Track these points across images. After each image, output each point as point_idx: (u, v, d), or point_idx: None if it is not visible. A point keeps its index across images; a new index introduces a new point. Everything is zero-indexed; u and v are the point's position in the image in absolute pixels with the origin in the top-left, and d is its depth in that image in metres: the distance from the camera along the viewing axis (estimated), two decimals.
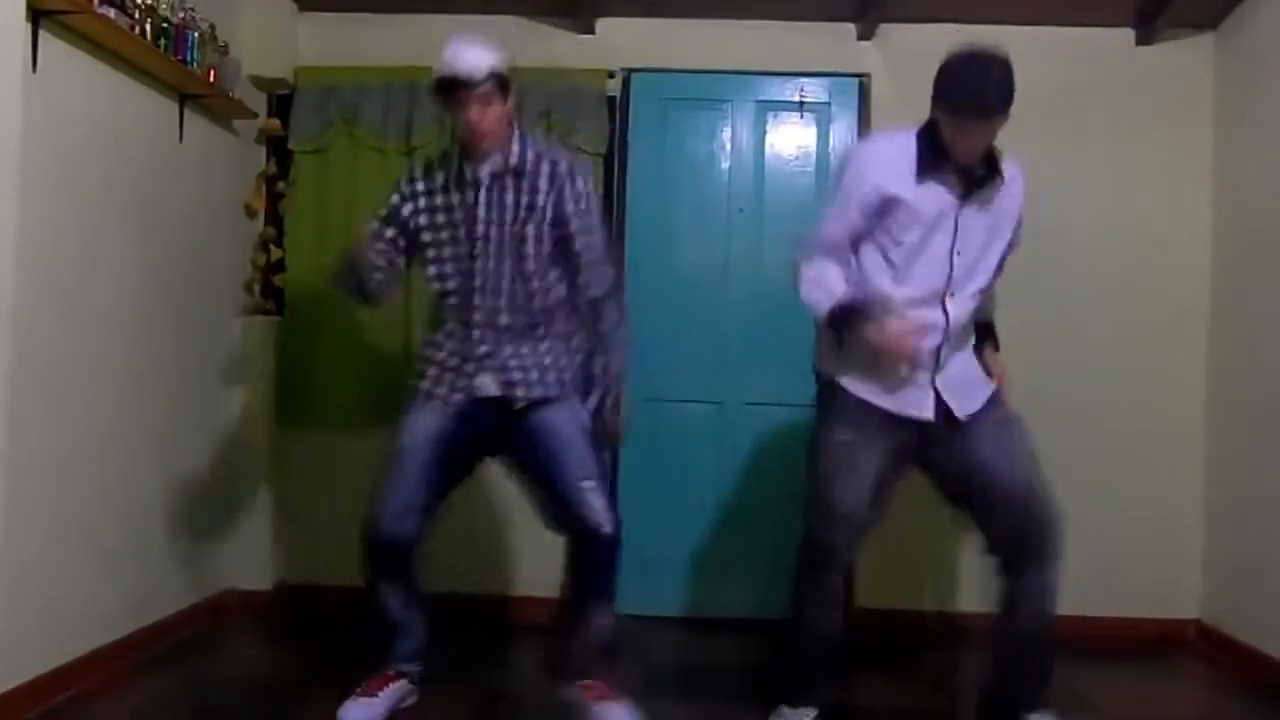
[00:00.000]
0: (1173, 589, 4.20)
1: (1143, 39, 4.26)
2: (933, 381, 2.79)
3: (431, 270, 3.01)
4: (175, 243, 3.71)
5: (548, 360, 2.95)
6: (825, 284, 2.76)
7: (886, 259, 2.78)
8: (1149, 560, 4.20)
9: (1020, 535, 2.79)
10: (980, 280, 2.81)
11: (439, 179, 2.99)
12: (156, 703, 3.16)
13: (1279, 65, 3.80)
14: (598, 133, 4.26)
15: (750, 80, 4.38)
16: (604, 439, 3.01)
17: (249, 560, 4.23)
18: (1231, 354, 4.08)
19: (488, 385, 2.93)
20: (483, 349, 2.93)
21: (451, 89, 2.83)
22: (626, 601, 4.28)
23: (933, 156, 2.71)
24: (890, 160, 2.74)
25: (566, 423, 2.93)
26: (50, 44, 2.91)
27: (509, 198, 2.92)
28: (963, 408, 2.80)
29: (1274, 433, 3.71)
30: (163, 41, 3.36)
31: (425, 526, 3.00)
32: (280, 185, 4.39)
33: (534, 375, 2.93)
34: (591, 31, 4.35)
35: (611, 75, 4.33)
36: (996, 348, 3.01)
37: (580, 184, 2.96)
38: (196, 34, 3.58)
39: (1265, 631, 3.67)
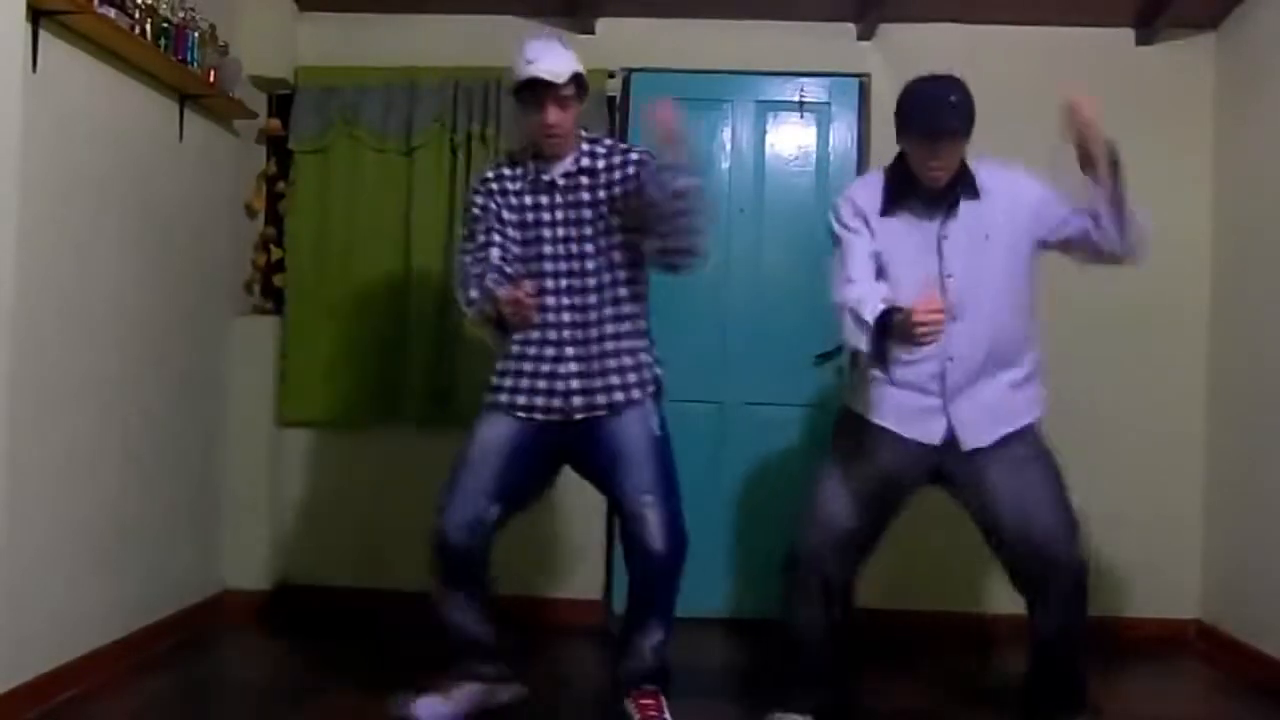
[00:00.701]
0: (1173, 589, 4.20)
1: (1143, 39, 4.26)
2: (945, 408, 2.77)
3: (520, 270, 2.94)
4: (175, 243, 3.71)
5: (614, 366, 2.91)
6: (860, 314, 2.65)
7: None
8: (1149, 560, 4.20)
9: (1027, 577, 2.81)
10: (996, 297, 2.75)
11: (515, 182, 2.96)
12: (156, 703, 3.16)
13: (1279, 65, 3.80)
14: (598, 132, 4.25)
15: (750, 80, 4.38)
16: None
17: (249, 560, 4.22)
18: (1231, 354, 4.08)
19: (560, 395, 2.89)
20: (554, 356, 2.90)
21: (534, 89, 2.80)
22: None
23: (899, 189, 2.75)
24: (864, 196, 2.82)
25: (632, 434, 2.89)
26: (50, 44, 2.91)
27: (584, 196, 2.90)
28: (972, 438, 2.76)
29: (1274, 433, 3.71)
30: (163, 41, 3.36)
31: (491, 537, 2.93)
32: (280, 185, 4.39)
33: (600, 383, 2.90)
34: (591, 31, 4.35)
35: (611, 75, 4.33)
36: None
37: (639, 154, 2.90)
38: (196, 34, 3.58)
39: (1265, 631, 3.67)
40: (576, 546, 4.23)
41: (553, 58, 2.81)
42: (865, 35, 4.32)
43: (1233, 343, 4.07)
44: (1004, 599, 4.11)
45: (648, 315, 3.06)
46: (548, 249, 2.92)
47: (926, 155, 2.68)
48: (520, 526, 4.14)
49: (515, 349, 2.96)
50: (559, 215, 2.91)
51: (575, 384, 2.90)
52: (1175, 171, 4.24)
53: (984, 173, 2.79)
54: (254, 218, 4.37)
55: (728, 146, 4.39)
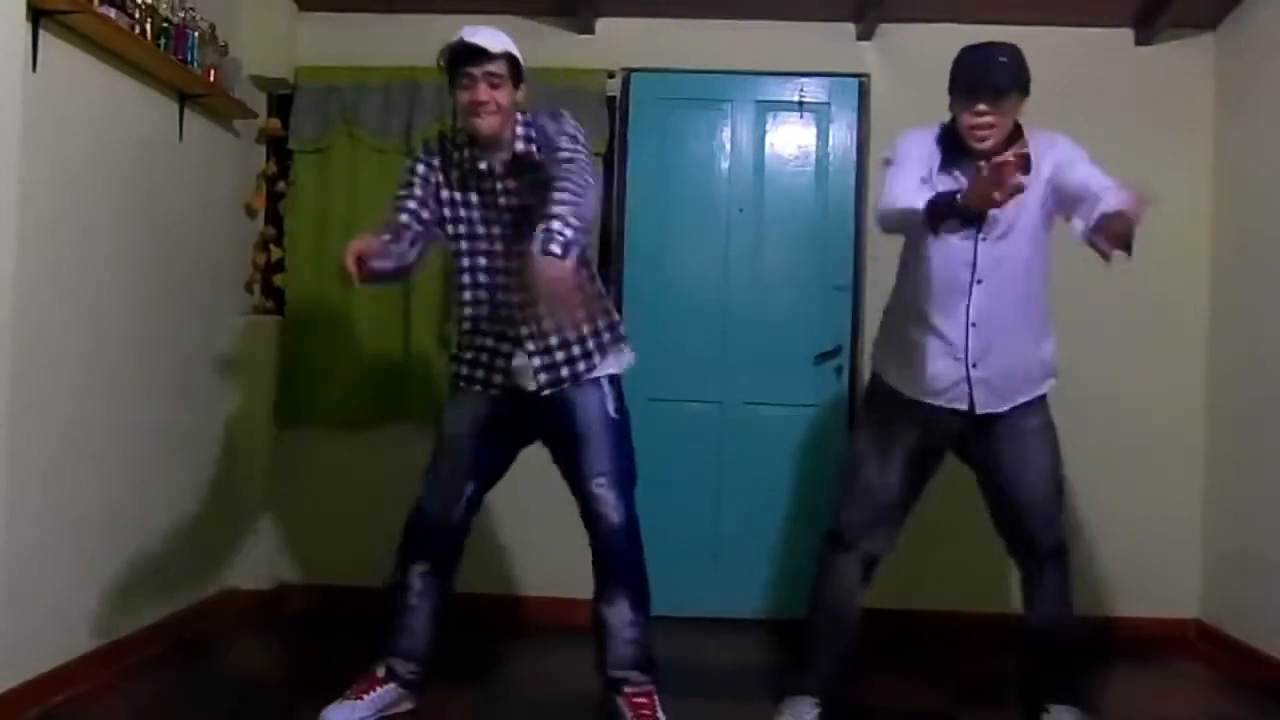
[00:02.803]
0: (1173, 589, 4.20)
1: (1142, 39, 4.26)
2: (968, 373, 2.81)
3: (463, 265, 2.95)
4: (175, 242, 3.71)
5: (572, 346, 2.90)
6: (910, 207, 2.64)
7: (915, 256, 2.85)
8: (1149, 560, 4.20)
9: (1023, 543, 2.90)
10: (1023, 263, 2.79)
11: (453, 171, 2.91)
12: (156, 703, 3.16)
13: (1278, 65, 3.80)
14: (597, 133, 4.25)
15: (750, 80, 4.38)
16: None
17: (249, 560, 4.23)
18: (1231, 354, 4.08)
19: (524, 372, 2.90)
20: (512, 336, 2.91)
21: (464, 60, 2.76)
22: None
23: (953, 150, 2.77)
24: (924, 141, 2.82)
25: (591, 415, 2.92)
26: (50, 44, 2.91)
27: (524, 181, 2.87)
28: (986, 402, 2.82)
29: (1274, 433, 3.71)
30: (163, 41, 3.36)
31: (469, 517, 3.03)
32: (280, 185, 4.39)
33: (561, 356, 2.90)
34: (591, 31, 4.35)
35: (611, 75, 4.33)
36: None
37: (565, 125, 2.81)
38: (196, 34, 3.58)
39: (1265, 631, 3.67)
40: (576, 547, 4.20)
41: (484, 34, 2.80)
42: (865, 35, 4.32)
43: (1233, 343, 4.07)
44: (1006, 599, 4.14)
45: (605, 293, 3.05)
46: (497, 231, 2.88)
47: (969, 112, 2.70)
48: (520, 526, 4.17)
49: (468, 338, 2.99)
50: (503, 202, 2.88)
51: (537, 361, 2.89)
52: (1175, 171, 4.23)
53: (1037, 142, 2.79)
54: (254, 218, 4.37)
55: (727, 146, 4.39)
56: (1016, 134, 2.79)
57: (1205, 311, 4.23)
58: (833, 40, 4.34)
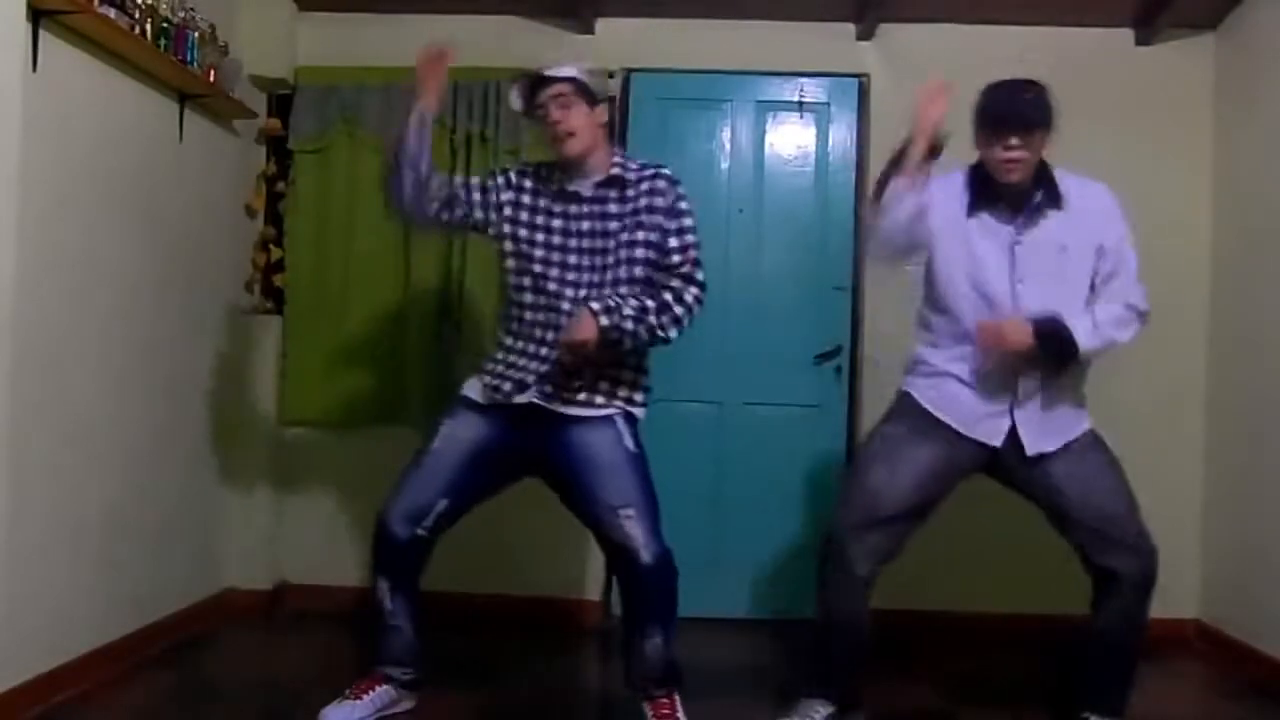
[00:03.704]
0: (1172, 589, 4.18)
1: (1142, 39, 4.26)
2: (1011, 411, 2.80)
3: (519, 280, 2.92)
4: (175, 242, 3.71)
5: (598, 377, 2.87)
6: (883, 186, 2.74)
7: (949, 293, 2.82)
8: None
9: (1098, 560, 2.82)
10: (1064, 308, 2.76)
11: (542, 187, 2.95)
12: (156, 703, 3.16)
13: (1279, 65, 3.80)
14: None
15: (750, 80, 4.39)
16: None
17: (249, 560, 4.23)
18: (1231, 354, 4.08)
19: (545, 397, 2.86)
20: (551, 362, 2.85)
21: (534, 91, 2.85)
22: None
23: (983, 191, 2.75)
24: (943, 194, 2.78)
25: (604, 446, 2.85)
26: (50, 44, 2.91)
27: (611, 209, 2.89)
28: (1035, 444, 2.79)
29: (1274, 433, 3.71)
30: (163, 41, 3.36)
31: (435, 533, 2.94)
32: (280, 185, 4.39)
33: (578, 383, 2.86)
34: (591, 31, 4.35)
35: (611, 75, 4.32)
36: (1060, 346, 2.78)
37: (680, 201, 2.92)
38: (196, 34, 3.58)
39: (1265, 631, 3.68)
40: (577, 547, 4.22)
41: (555, 66, 2.88)
42: (865, 35, 4.32)
43: (1233, 343, 4.07)
44: (1005, 599, 4.14)
45: (643, 366, 3.03)
46: (572, 259, 2.89)
47: (997, 146, 2.69)
48: (521, 527, 4.17)
49: (509, 341, 2.95)
50: (585, 226, 2.89)
51: (567, 391, 2.86)
52: (1175, 171, 4.24)
53: (1072, 183, 2.82)
54: (254, 218, 4.37)
55: (727, 146, 4.39)
56: (1044, 170, 2.80)
57: (1205, 311, 4.23)
58: (833, 40, 4.34)
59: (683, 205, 2.93)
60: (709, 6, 4.28)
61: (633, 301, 2.79)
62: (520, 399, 2.87)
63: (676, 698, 2.94)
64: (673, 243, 2.89)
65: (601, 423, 2.87)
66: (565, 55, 4.25)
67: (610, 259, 2.88)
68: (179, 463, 3.79)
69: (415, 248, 4.24)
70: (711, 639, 4.01)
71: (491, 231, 2.99)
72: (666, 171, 2.95)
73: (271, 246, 4.38)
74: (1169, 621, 4.15)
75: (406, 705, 3.08)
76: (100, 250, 3.24)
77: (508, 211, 2.96)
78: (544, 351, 2.88)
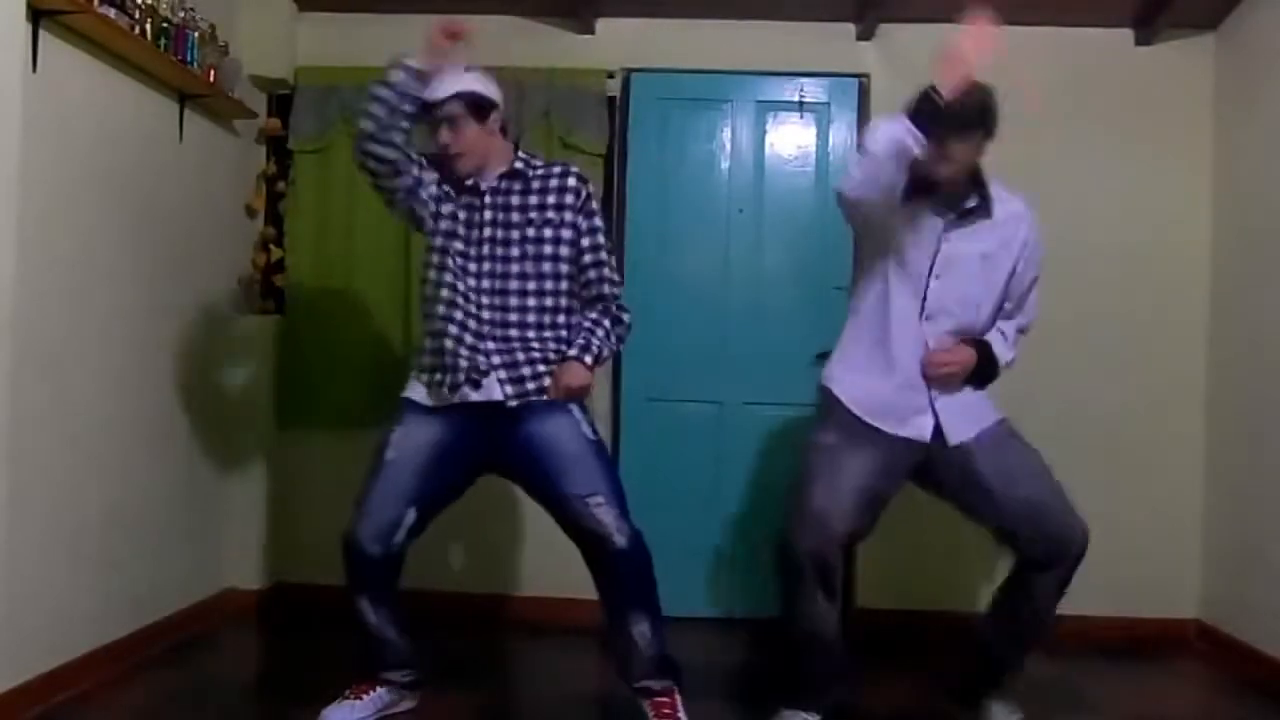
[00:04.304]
0: (1173, 589, 4.20)
1: (1142, 39, 4.26)
2: (931, 403, 2.84)
3: (434, 275, 2.93)
4: (175, 242, 3.71)
5: (538, 364, 2.89)
6: (877, 136, 2.68)
7: (872, 278, 2.89)
8: (1149, 560, 4.20)
9: (1029, 547, 2.82)
10: (970, 312, 2.85)
11: (448, 180, 2.95)
12: (156, 703, 3.16)
13: (1279, 65, 3.80)
14: (597, 133, 4.26)
15: (750, 80, 4.38)
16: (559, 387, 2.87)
17: (248, 560, 4.23)
18: (1231, 354, 4.08)
19: (491, 390, 2.86)
20: (483, 353, 2.87)
21: (425, 116, 2.88)
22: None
23: (916, 183, 2.77)
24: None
25: (564, 435, 2.86)
26: (50, 44, 2.91)
27: (514, 201, 2.92)
28: (957, 432, 2.84)
29: (1274, 433, 3.71)
30: (163, 41, 3.36)
31: (407, 544, 2.93)
32: (280, 185, 4.39)
33: (526, 372, 2.87)
34: (591, 31, 4.35)
35: (611, 75, 4.33)
36: (980, 358, 2.89)
37: (588, 191, 2.96)
38: (196, 34, 3.58)
39: (1265, 631, 3.68)
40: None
41: (439, 84, 2.86)
42: (865, 35, 4.32)
43: (1232, 343, 4.07)
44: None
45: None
46: (473, 250, 2.90)
47: (941, 151, 2.71)
48: (521, 527, 4.17)
49: (430, 343, 2.94)
50: (487, 216, 2.91)
51: (496, 360, 2.86)
52: (1175, 171, 4.24)
53: (1005, 198, 2.87)
54: (254, 218, 4.37)
55: (727, 146, 4.38)
56: (978, 176, 2.84)
57: (1205, 311, 4.23)
58: (833, 40, 4.34)
59: (593, 205, 2.97)
60: (709, 6, 4.28)
61: (599, 332, 2.94)
62: (474, 397, 2.86)
63: (678, 696, 2.93)
64: (585, 243, 2.94)
65: (557, 410, 2.88)
66: (565, 55, 4.31)
67: (514, 251, 2.89)
68: (179, 463, 3.79)
69: (415, 248, 4.23)
70: (711, 639, 4.02)
71: (420, 212, 2.96)
72: (576, 170, 2.98)
73: (271, 246, 4.38)
74: (1169, 621, 4.16)
75: (409, 704, 3.09)
76: (100, 250, 3.24)
77: (431, 205, 2.96)
78: (466, 343, 2.86)
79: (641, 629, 2.88)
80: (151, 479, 3.59)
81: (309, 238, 4.32)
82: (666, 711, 2.90)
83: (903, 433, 2.84)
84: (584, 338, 2.91)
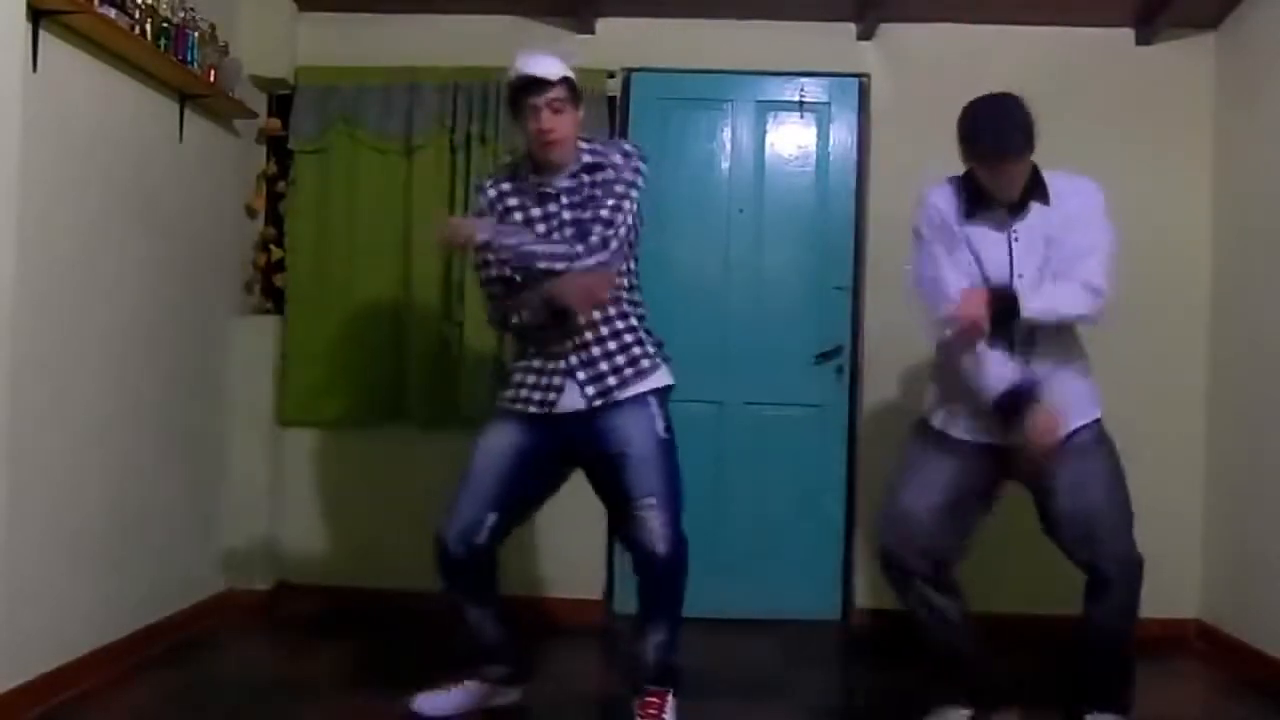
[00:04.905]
0: (1173, 589, 4.19)
1: (1143, 39, 4.26)
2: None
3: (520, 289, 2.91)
4: (175, 243, 3.71)
5: (618, 361, 2.89)
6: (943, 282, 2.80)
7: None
8: (1149, 560, 4.16)
9: (1085, 563, 2.88)
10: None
11: (514, 196, 2.95)
12: (156, 703, 3.16)
13: (1279, 65, 3.80)
14: (597, 133, 4.25)
15: (750, 80, 4.38)
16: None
17: (249, 560, 4.22)
18: (1231, 353, 4.07)
19: (572, 398, 2.87)
20: (566, 361, 2.88)
21: (526, 91, 2.81)
22: (624, 601, 4.31)
23: (976, 197, 2.82)
24: (942, 204, 2.86)
25: (637, 434, 2.86)
26: (50, 44, 2.91)
27: (586, 193, 2.88)
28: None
29: (1274, 433, 3.71)
30: (163, 41, 3.36)
31: (496, 542, 2.96)
32: (280, 185, 4.39)
33: (608, 376, 2.87)
34: (591, 31, 4.35)
35: (611, 75, 4.33)
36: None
37: (627, 159, 2.89)
38: (196, 34, 3.58)
39: (1265, 631, 3.67)
40: (578, 547, 4.23)
41: (544, 63, 2.83)
42: (865, 35, 4.32)
43: (1233, 342, 4.07)
44: (1005, 599, 4.14)
45: (647, 310, 3.05)
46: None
47: (995, 174, 2.76)
48: (522, 528, 4.17)
49: (521, 359, 2.98)
50: (567, 216, 2.88)
51: (583, 374, 2.87)
52: (1175, 171, 4.24)
53: (1059, 180, 2.88)
54: (254, 218, 4.37)
55: (728, 146, 4.38)
56: (1035, 176, 2.85)
57: (1205, 311, 4.23)
58: (833, 40, 4.33)
59: (627, 175, 2.87)
60: (709, 6, 4.28)
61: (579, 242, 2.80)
62: (562, 409, 2.88)
63: (669, 699, 2.94)
64: (608, 204, 2.84)
65: (635, 405, 2.88)
66: (564, 55, 4.31)
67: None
68: (179, 463, 3.79)
69: (415, 248, 4.24)
70: (711, 639, 4.01)
71: None
72: (628, 146, 2.94)
73: (271, 246, 4.38)
74: (1169, 621, 4.15)
75: (509, 698, 3.13)
76: (100, 250, 3.24)
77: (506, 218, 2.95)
78: (564, 357, 2.88)
79: (658, 639, 2.91)
80: (152, 479, 3.58)
81: (309, 238, 4.32)
82: (652, 711, 2.91)
83: (980, 439, 2.86)
84: (564, 244, 2.80)
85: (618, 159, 2.89)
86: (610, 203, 2.83)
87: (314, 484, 4.32)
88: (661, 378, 2.95)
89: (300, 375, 4.29)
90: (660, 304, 4.28)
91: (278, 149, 4.40)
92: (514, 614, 3.09)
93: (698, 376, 4.31)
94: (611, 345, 2.90)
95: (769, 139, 4.39)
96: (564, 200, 2.89)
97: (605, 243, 2.80)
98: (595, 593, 4.32)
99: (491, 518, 2.90)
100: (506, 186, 2.97)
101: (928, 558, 2.86)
